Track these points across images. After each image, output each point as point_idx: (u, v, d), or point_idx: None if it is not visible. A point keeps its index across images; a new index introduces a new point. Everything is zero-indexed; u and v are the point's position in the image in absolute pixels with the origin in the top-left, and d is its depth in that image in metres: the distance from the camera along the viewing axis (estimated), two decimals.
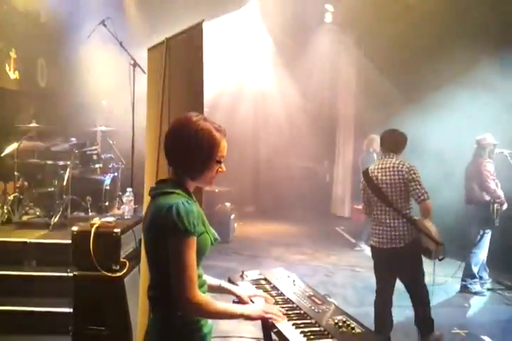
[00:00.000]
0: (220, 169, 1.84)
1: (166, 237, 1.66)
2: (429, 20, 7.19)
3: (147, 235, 1.78)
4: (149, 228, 1.76)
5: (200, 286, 1.77)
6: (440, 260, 3.78)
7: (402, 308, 4.88)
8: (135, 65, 5.09)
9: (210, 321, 1.85)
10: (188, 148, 1.76)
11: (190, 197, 1.80)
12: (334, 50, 9.93)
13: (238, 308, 1.85)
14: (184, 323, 1.75)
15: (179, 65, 3.09)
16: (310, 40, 10.00)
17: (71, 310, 3.53)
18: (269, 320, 1.90)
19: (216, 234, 1.87)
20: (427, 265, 6.49)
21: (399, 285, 5.76)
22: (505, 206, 5.36)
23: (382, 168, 3.90)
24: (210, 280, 2.00)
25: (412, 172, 3.79)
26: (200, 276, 1.82)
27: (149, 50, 3.55)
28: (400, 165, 3.84)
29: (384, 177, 3.86)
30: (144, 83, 3.62)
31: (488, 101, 6.19)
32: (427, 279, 6.00)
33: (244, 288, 2.25)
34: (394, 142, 3.99)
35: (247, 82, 9.91)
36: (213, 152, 1.78)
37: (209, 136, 1.77)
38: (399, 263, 3.87)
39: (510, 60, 5.80)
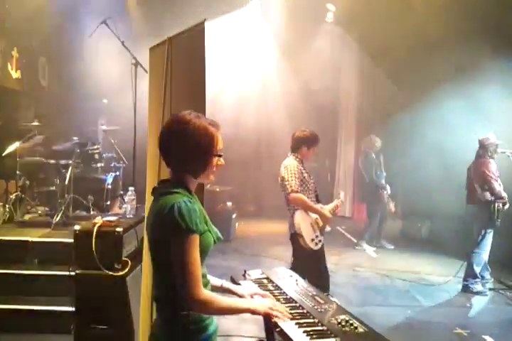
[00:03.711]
0: (219, 162, 1.85)
1: (169, 236, 1.67)
2: (431, 18, 7.18)
3: (151, 235, 1.79)
4: (152, 228, 1.76)
5: (204, 285, 1.77)
6: None
7: (403, 308, 4.89)
8: (137, 64, 5.10)
9: (215, 321, 1.86)
10: (188, 146, 1.77)
11: (191, 196, 1.81)
12: (336, 49, 9.92)
13: (244, 303, 1.89)
14: (190, 323, 1.75)
15: (181, 64, 3.09)
16: (311, 40, 9.98)
17: (73, 309, 3.53)
18: (273, 319, 1.90)
19: (219, 233, 1.87)
20: (433, 265, 6.50)
21: (400, 284, 5.80)
22: (507, 206, 5.35)
23: (283, 164, 4.24)
24: (212, 280, 2.00)
25: (283, 170, 4.10)
26: (204, 276, 1.82)
27: (151, 49, 3.54)
28: (284, 164, 4.17)
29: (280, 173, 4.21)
30: (146, 82, 3.63)
31: (489, 100, 6.19)
32: (433, 278, 6.03)
33: (245, 287, 2.25)
34: (292, 141, 4.33)
35: (249, 80, 9.89)
36: (212, 147, 1.80)
37: (206, 133, 1.79)
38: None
39: None
